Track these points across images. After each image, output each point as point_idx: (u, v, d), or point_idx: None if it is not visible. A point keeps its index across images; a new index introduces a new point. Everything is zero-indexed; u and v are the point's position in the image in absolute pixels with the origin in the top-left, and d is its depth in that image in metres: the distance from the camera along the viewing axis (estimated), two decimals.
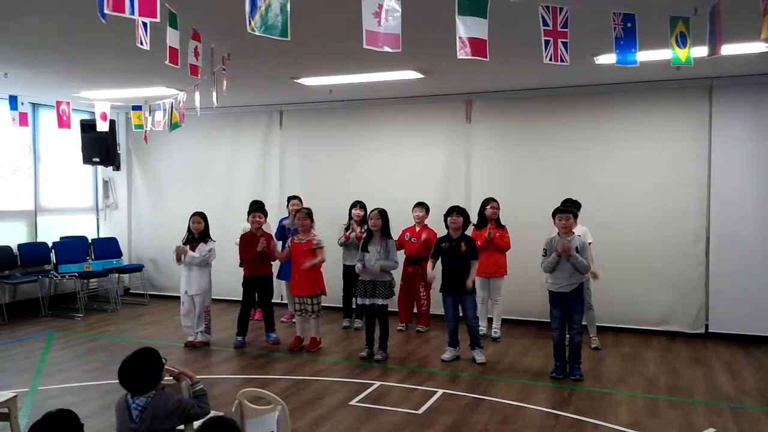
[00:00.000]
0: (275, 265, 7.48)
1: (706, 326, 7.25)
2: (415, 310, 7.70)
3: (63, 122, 7.11)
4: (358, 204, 7.54)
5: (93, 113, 7.39)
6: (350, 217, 7.56)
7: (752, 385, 5.57)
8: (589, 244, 6.14)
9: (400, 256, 7.22)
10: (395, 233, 6.75)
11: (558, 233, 5.67)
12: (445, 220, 6.23)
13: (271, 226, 7.95)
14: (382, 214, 6.30)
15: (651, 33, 4.00)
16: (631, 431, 4.50)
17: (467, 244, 6.12)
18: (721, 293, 7.13)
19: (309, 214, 6.70)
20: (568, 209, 5.78)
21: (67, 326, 7.99)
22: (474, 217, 6.97)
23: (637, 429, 4.54)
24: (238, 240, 7.07)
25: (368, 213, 6.56)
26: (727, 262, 7.09)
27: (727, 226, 7.10)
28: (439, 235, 6.75)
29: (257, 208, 7.17)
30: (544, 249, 5.73)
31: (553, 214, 5.73)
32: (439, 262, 6.29)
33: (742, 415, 4.82)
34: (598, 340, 6.76)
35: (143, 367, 2.89)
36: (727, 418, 4.77)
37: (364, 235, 6.54)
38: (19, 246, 8.73)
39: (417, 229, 7.42)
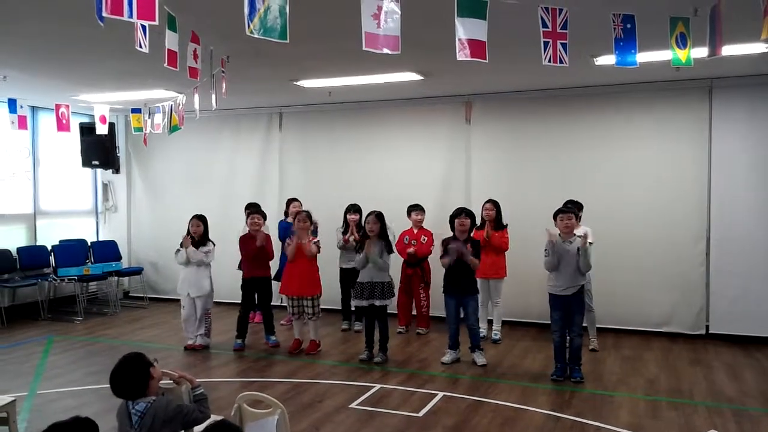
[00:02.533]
0: (274, 268, 7.46)
1: (707, 327, 7.24)
2: (414, 313, 7.69)
3: (62, 125, 7.09)
4: (353, 208, 7.51)
5: (92, 116, 7.39)
6: (345, 221, 7.53)
7: (753, 387, 5.55)
8: (590, 244, 6.12)
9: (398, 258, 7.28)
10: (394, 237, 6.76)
11: (559, 234, 5.66)
12: (451, 222, 6.19)
13: (270, 227, 7.93)
14: (380, 218, 6.27)
15: (651, 34, 3.99)
16: None
17: (473, 246, 6.10)
18: (721, 294, 7.12)
19: (309, 216, 6.69)
20: (569, 209, 5.76)
21: (67, 330, 7.97)
22: (478, 219, 6.99)
23: (638, 431, 4.52)
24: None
25: (364, 216, 6.51)
26: (727, 262, 7.08)
27: (727, 227, 7.09)
28: (435, 235, 6.75)
29: (255, 209, 7.15)
30: (545, 249, 5.71)
31: (555, 215, 5.72)
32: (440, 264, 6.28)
33: (743, 417, 4.80)
34: (596, 342, 6.74)
35: (129, 373, 2.89)
36: (728, 419, 4.75)
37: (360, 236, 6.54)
38: (19, 249, 8.72)
39: (415, 231, 7.42)
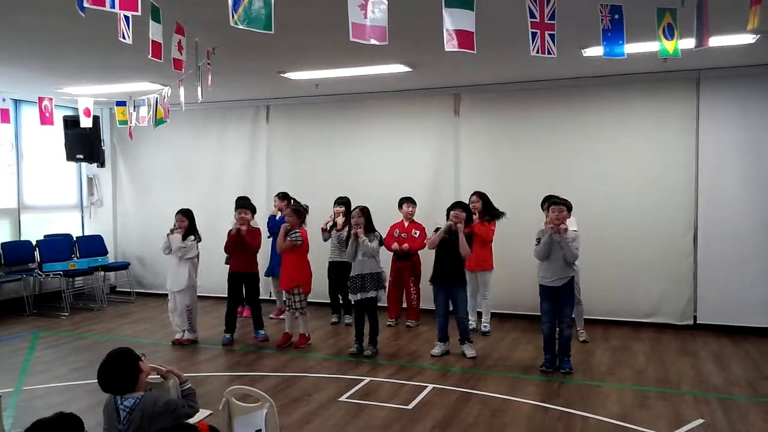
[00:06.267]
0: (263, 263, 7.40)
1: (695, 318, 7.28)
2: (404, 305, 7.69)
3: (46, 119, 7.00)
4: (339, 200, 7.47)
5: (76, 109, 7.32)
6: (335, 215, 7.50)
7: (740, 376, 5.60)
8: (575, 231, 6.14)
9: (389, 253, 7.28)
10: (384, 229, 6.71)
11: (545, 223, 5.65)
12: (448, 215, 6.15)
13: (260, 222, 7.88)
14: (364, 212, 6.26)
15: (638, 25, 3.99)
16: (620, 423, 4.51)
17: (465, 240, 6.09)
18: (709, 285, 7.16)
19: (296, 211, 6.64)
20: (562, 201, 5.73)
21: (52, 325, 7.89)
22: None
23: (626, 421, 4.54)
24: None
25: (352, 211, 6.48)
26: (714, 253, 7.12)
27: (714, 218, 7.12)
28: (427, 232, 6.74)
29: (243, 204, 7.09)
30: (537, 238, 5.71)
31: (543, 203, 5.68)
32: (432, 255, 6.27)
33: (731, 406, 4.84)
34: (585, 333, 6.78)
35: (118, 367, 2.85)
36: (716, 408, 4.79)
37: (345, 229, 6.51)
38: (3, 244, 8.62)
39: (406, 224, 7.39)
